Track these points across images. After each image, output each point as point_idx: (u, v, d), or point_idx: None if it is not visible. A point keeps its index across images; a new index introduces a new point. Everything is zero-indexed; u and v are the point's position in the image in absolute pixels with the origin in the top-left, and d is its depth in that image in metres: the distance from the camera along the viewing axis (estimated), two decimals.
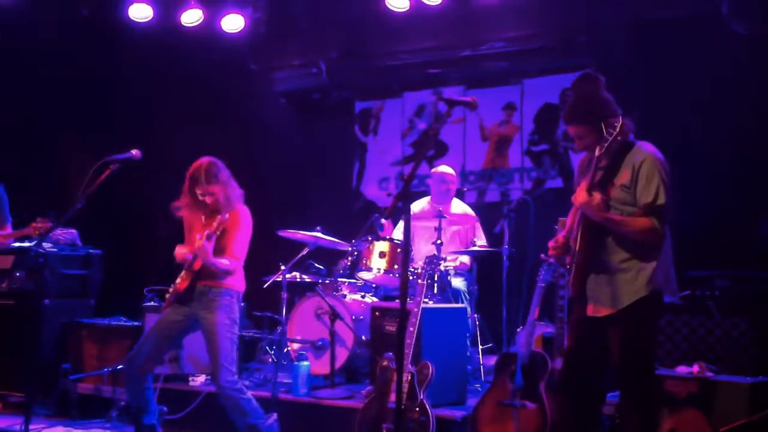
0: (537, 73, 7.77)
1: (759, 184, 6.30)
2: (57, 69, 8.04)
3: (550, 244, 4.08)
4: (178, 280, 5.00)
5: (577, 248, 3.88)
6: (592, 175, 3.85)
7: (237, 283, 5.04)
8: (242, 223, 4.97)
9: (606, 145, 3.79)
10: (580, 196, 3.85)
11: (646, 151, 3.88)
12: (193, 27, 7.75)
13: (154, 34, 7.93)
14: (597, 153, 3.83)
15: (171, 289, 5.04)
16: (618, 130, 3.76)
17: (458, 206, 6.93)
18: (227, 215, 4.89)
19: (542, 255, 4.75)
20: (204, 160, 5.02)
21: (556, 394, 4.44)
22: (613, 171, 3.88)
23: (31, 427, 4.95)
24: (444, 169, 6.95)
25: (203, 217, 5.07)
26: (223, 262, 4.89)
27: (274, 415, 5.03)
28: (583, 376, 3.99)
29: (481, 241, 6.78)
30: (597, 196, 3.80)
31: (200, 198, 4.97)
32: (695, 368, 4.59)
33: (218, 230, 4.76)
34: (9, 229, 5.49)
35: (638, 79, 6.81)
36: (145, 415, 5.05)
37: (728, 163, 6.46)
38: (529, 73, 7.83)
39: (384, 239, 6.29)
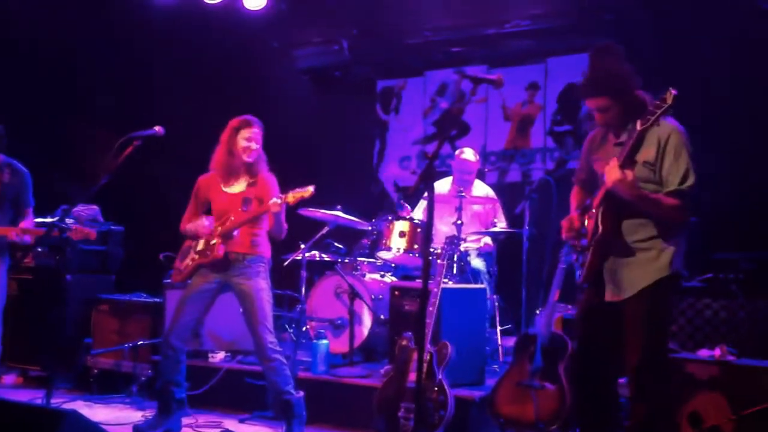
0: (562, 51, 7.68)
1: None
2: (78, 46, 8.04)
3: (564, 224, 3.89)
4: (204, 248, 5.02)
5: (599, 230, 3.68)
6: (629, 151, 3.60)
7: (267, 249, 5.12)
8: (276, 190, 5.00)
9: (653, 118, 3.51)
10: (612, 173, 3.59)
11: (670, 125, 3.67)
12: (214, 4, 7.74)
13: (175, 11, 7.91)
14: (639, 127, 3.56)
15: (197, 258, 5.06)
16: (670, 102, 3.47)
17: (480, 188, 6.86)
18: (261, 182, 5.03)
19: (564, 236, 4.70)
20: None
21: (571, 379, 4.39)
22: (634, 148, 3.62)
23: (52, 400, 4.98)
24: (467, 156, 6.72)
25: (221, 185, 5.09)
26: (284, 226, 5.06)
27: (302, 393, 5.06)
28: (599, 363, 3.83)
29: (501, 223, 6.72)
30: (629, 173, 3.56)
31: (243, 145, 5.01)
32: (717, 352, 4.54)
33: (283, 198, 4.78)
34: (30, 216, 5.37)
35: (662, 57, 6.70)
36: (176, 389, 5.09)
37: (754, 143, 6.35)
38: (554, 51, 7.74)
39: (404, 219, 6.25)
